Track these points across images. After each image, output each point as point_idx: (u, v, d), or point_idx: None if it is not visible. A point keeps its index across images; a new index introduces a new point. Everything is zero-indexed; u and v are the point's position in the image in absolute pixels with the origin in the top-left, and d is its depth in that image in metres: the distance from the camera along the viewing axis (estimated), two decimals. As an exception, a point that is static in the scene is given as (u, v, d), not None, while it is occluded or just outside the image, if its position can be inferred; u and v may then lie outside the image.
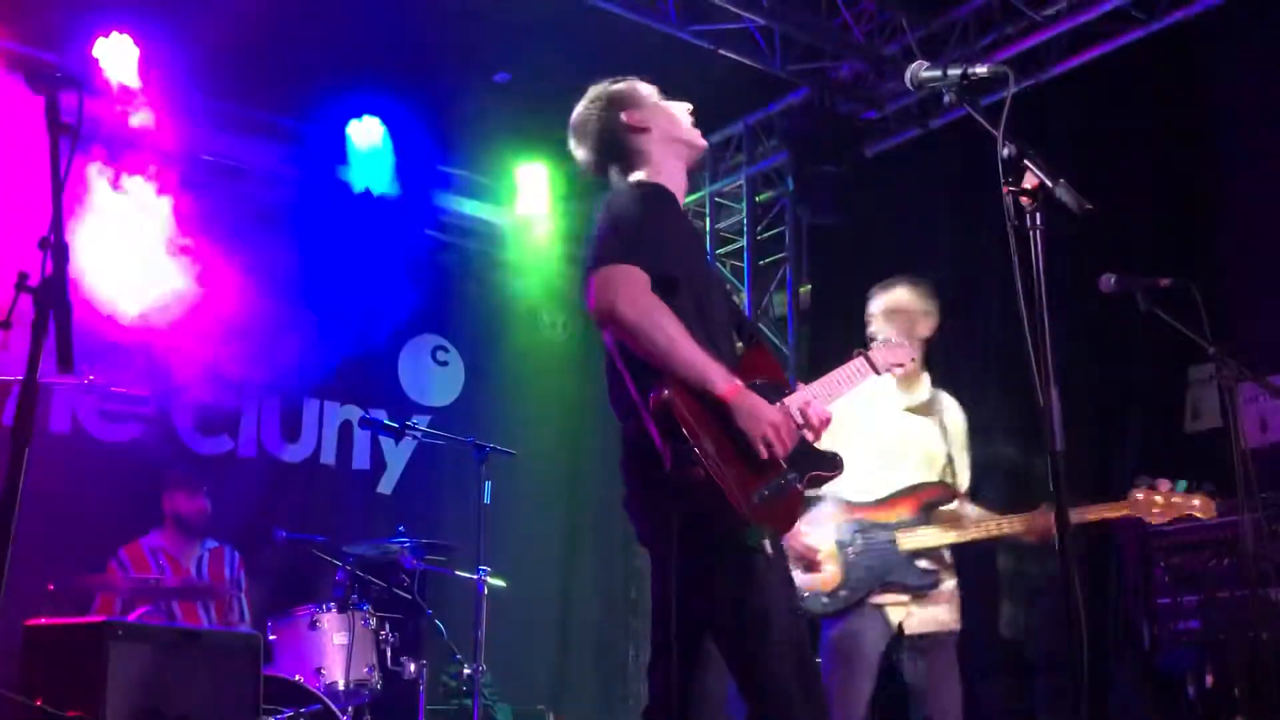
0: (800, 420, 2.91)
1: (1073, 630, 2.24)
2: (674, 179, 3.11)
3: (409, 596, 5.80)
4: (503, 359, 8.42)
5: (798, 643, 2.74)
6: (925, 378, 4.37)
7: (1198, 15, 5.95)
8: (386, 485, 7.91)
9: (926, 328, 4.33)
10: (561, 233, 8.39)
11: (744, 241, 8.07)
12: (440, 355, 8.38)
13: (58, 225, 2.49)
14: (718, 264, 8.16)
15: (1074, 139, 6.11)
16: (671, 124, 3.14)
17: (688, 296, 2.85)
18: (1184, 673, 4.87)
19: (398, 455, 7.94)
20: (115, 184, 6.31)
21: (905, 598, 4.10)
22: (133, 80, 6.37)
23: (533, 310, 8.65)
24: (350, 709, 5.34)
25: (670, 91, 3.26)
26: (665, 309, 2.72)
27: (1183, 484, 4.02)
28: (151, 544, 6.02)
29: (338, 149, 7.42)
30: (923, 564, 4.10)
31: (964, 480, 4.35)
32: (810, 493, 3.15)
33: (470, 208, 8.33)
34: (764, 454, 2.70)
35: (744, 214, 8.08)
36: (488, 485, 5.68)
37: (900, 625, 4.12)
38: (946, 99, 2.71)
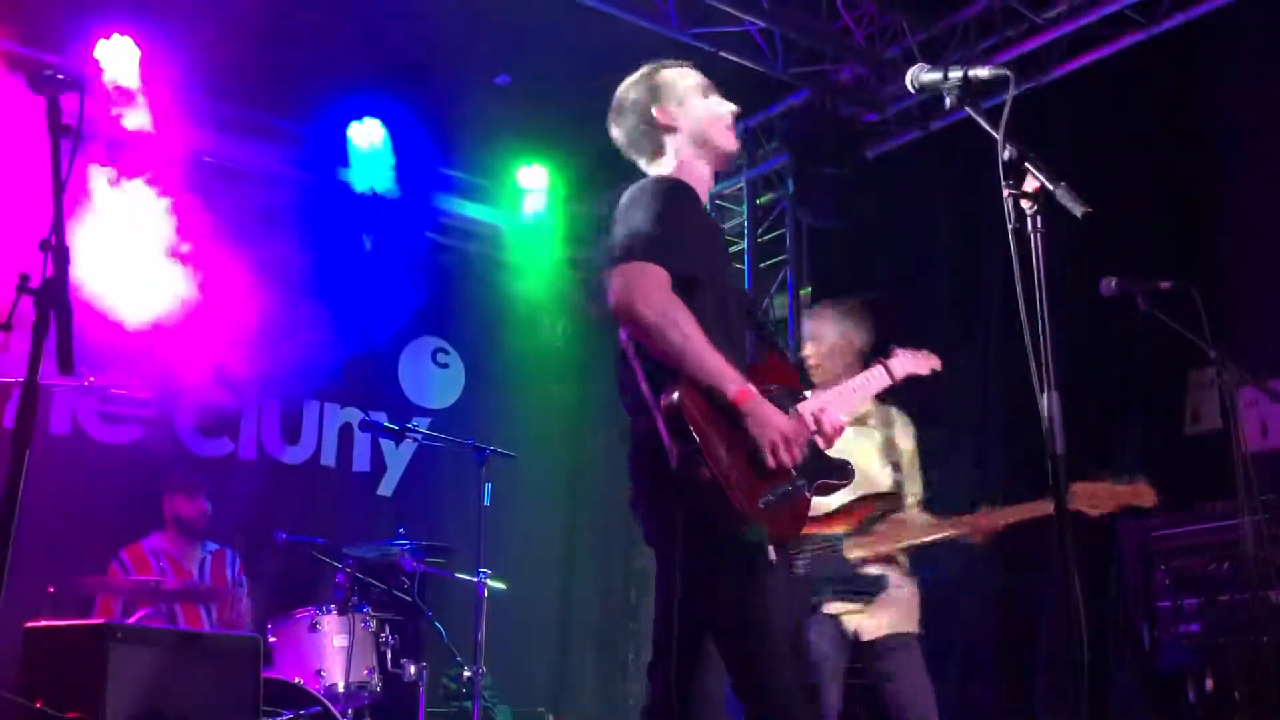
0: (813, 427, 2.90)
1: (1073, 632, 2.24)
2: (698, 178, 3.08)
3: (409, 599, 5.79)
4: (503, 361, 8.42)
5: (798, 645, 2.75)
6: None
7: (1198, 18, 5.95)
8: (387, 487, 7.91)
9: (849, 351, 4.34)
10: (562, 235, 8.40)
11: (744, 244, 8.07)
12: (440, 357, 8.39)
13: (59, 227, 2.49)
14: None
15: (1074, 142, 6.11)
16: (703, 125, 3.10)
17: (707, 297, 2.83)
18: (1184, 676, 4.86)
19: (398, 457, 7.95)
20: (115, 186, 6.31)
21: (857, 605, 4.14)
22: (133, 82, 6.37)
23: (533, 313, 8.66)
24: (350, 711, 5.34)
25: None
26: (683, 309, 2.70)
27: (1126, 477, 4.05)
28: (152, 546, 6.02)
29: (338, 151, 7.42)
30: (873, 570, 4.12)
31: (914, 493, 4.36)
32: None
33: (471, 210, 8.33)
34: (772, 461, 2.69)
35: (744, 216, 8.09)
36: (488, 487, 5.68)
37: (856, 633, 4.14)
38: (947, 102, 2.71)
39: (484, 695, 5.54)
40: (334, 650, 5.33)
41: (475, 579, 5.53)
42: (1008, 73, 2.58)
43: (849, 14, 6.69)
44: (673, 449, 2.65)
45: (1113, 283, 4.18)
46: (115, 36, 6.31)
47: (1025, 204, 2.45)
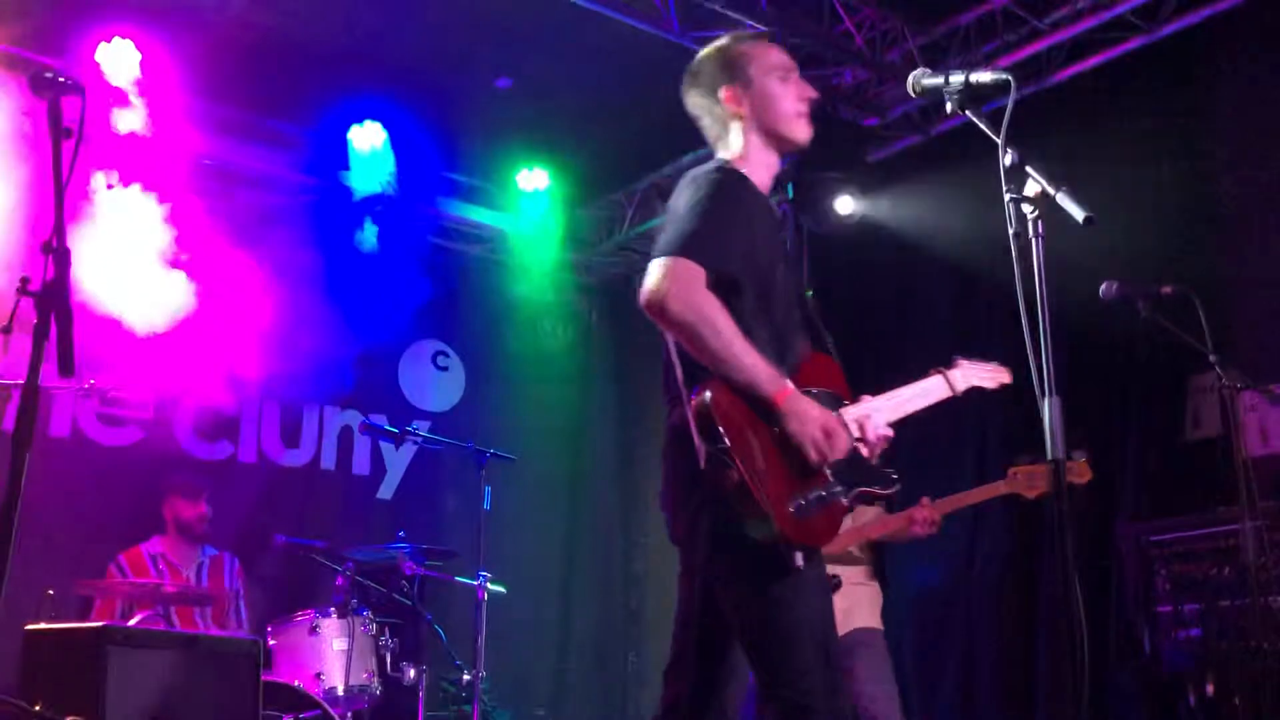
0: (856, 434, 2.82)
1: (1073, 636, 2.24)
2: (761, 167, 2.98)
3: (409, 602, 5.79)
4: (504, 364, 8.43)
5: (828, 651, 2.66)
6: None
7: (1199, 23, 5.96)
8: (386, 490, 7.91)
9: None
10: (562, 238, 8.40)
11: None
12: (441, 360, 8.39)
13: (60, 230, 2.49)
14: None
15: (1075, 146, 6.11)
16: (771, 112, 2.97)
17: (750, 297, 2.75)
18: (1184, 681, 4.86)
19: (398, 460, 7.94)
20: (115, 189, 6.31)
21: None
22: (133, 85, 6.37)
23: (534, 316, 8.66)
24: (350, 714, 5.33)
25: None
26: (718, 308, 2.62)
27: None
28: (151, 550, 6.02)
29: (339, 154, 7.42)
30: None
31: None
32: None
33: (471, 213, 8.33)
34: (814, 457, 2.62)
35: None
36: (488, 490, 5.69)
37: None
38: (948, 106, 2.71)
39: (484, 699, 5.54)
40: (334, 653, 5.33)
41: (475, 582, 5.53)
42: (1009, 77, 2.58)
43: (849, 18, 6.68)
44: (701, 448, 2.60)
45: (1113, 287, 4.18)
46: (116, 40, 6.31)
47: (1026, 208, 2.45)
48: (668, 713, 2.84)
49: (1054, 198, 2.42)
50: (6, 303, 2.60)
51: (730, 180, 2.86)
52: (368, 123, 7.39)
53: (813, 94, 3.04)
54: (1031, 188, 2.45)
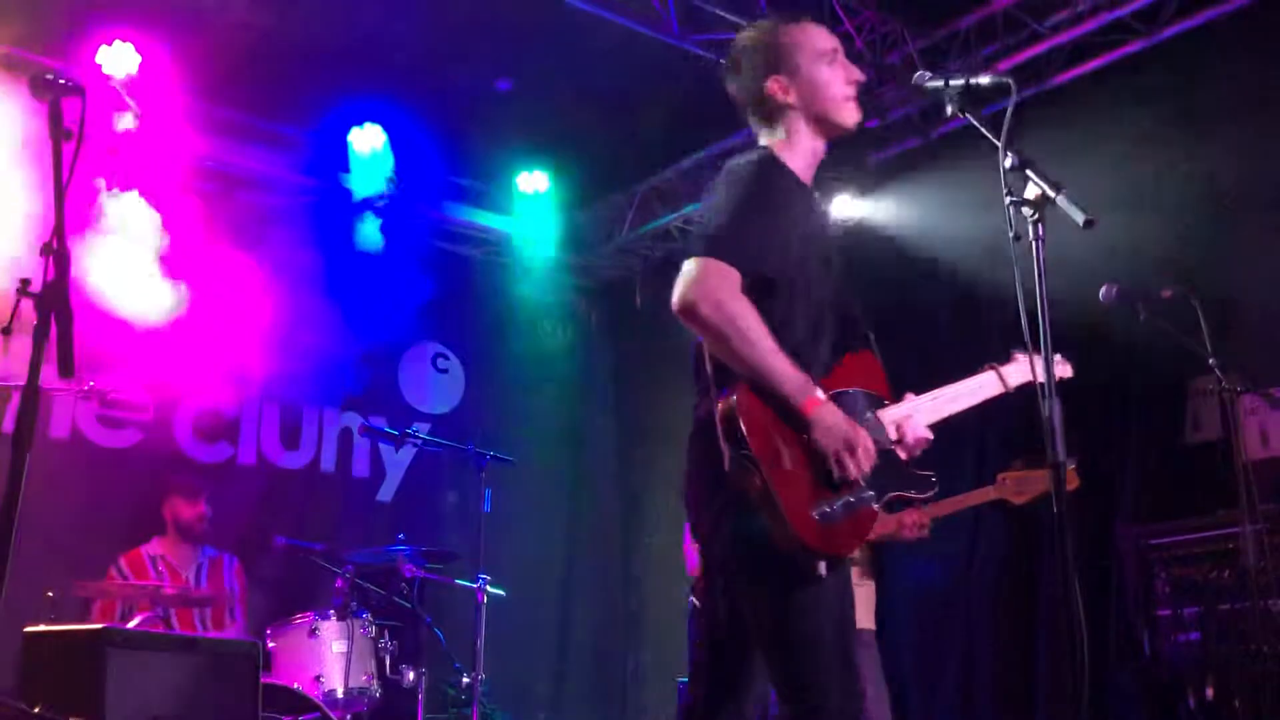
0: (894, 436, 2.77)
1: (1073, 638, 2.24)
2: (806, 154, 2.92)
3: (408, 604, 5.79)
4: (504, 366, 8.44)
5: (848, 660, 2.62)
6: None
7: (1199, 26, 5.96)
8: (386, 493, 7.91)
9: None
10: (562, 241, 8.40)
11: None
12: (441, 362, 8.39)
13: (60, 231, 2.49)
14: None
15: (1075, 149, 6.11)
16: (820, 100, 2.91)
17: (785, 295, 2.69)
18: (1184, 684, 4.86)
19: (397, 463, 7.94)
20: (115, 191, 6.31)
21: None
22: (133, 88, 6.37)
23: (534, 318, 8.67)
24: (349, 717, 5.33)
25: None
26: (749, 312, 2.55)
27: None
28: (151, 551, 6.03)
29: (340, 156, 7.43)
30: None
31: None
32: None
33: (471, 215, 8.34)
34: (837, 472, 2.57)
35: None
36: (487, 493, 5.69)
37: None
38: (948, 109, 2.71)
39: (483, 701, 5.54)
40: (333, 656, 5.33)
41: (475, 585, 5.53)
42: (1009, 80, 2.58)
43: (850, 20, 6.68)
44: (725, 452, 2.55)
45: (1113, 290, 4.19)
46: (117, 43, 6.32)
47: (1026, 211, 2.45)
48: (684, 716, 2.81)
49: (1054, 200, 2.43)
50: (7, 304, 2.60)
51: (770, 171, 2.79)
52: (368, 125, 7.40)
53: (860, 76, 2.98)
54: (1031, 190, 2.45)
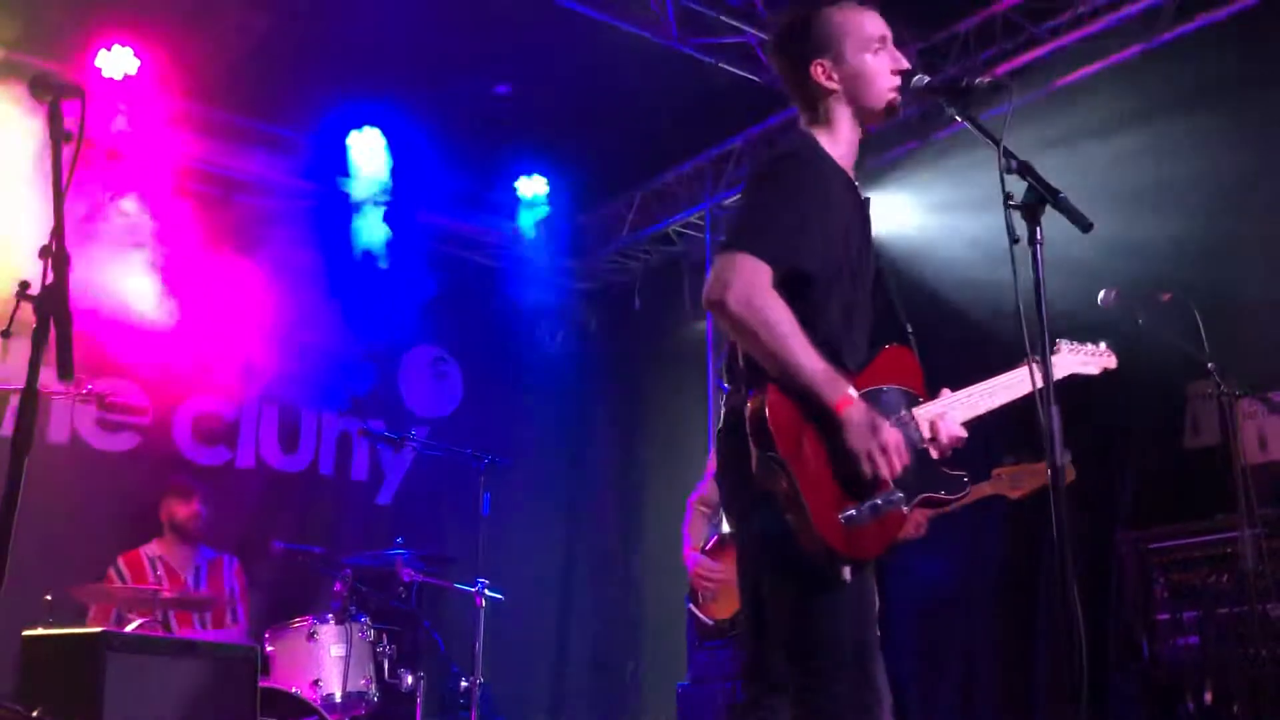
0: (928, 435, 2.73)
1: (1071, 643, 2.24)
2: (847, 141, 2.89)
3: (407, 608, 5.79)
4: (502, 370, 8.44)
5: (865, 668, 2.57)
6: None
7: (1199, 30, 5.97)
8: (385, 496, 7.91)
9: None
10: (561, 244, 8.41)
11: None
12: (439, 366, 8.39)
13: (59, 234, 2.49)
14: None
15: (1074, 152, 6.11)
16: (864, 89, 2.83)
17: (820, 290, 2.64)
18: (1183, 688, 4.86)
19: (396, 466, 7.94)
20: (114, 194, 6.31)
21: None
22: (132, 91, 6.38)
23: (532, 322, 8.67)
24: (347, 720, 5.33)
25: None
26: (780, 309, 2.51)
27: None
28: (150, 552, 6.03)
29: (338, 160, 7.43)
30: None
31: None
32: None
33: (471, 219, 8.34)
34: (866, 473, 2.52)
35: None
36: (486, 497, 5.68)
37: None
38: (947, 112, 2.72)
39: (482, 706, 5.53)
40: (331, 660, 5.32)
41: (473, 589, 5.52)
42: (1009, 83, 2.59)
43: (849, 24, 6.69)
44: (753, 451, 2.53)
45: (1112, 294, 4.19)
46: (116, 47, 6.32)
47: (1025, 214, 2.46)
48: (740, 673, 2.87)
49: (1053, 204, 2.43)
50: (7, 307, 2.60)
51: (809, 160, 2.75)
52: (367, 129, 7.41)
53: (906, 64, 2.87)
54: (1030, 194, 2.45)
